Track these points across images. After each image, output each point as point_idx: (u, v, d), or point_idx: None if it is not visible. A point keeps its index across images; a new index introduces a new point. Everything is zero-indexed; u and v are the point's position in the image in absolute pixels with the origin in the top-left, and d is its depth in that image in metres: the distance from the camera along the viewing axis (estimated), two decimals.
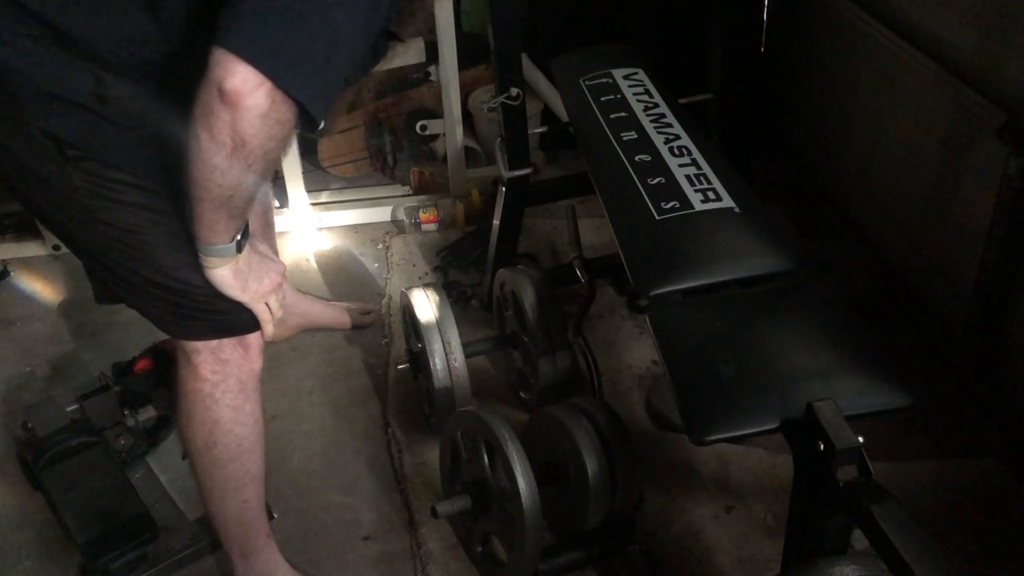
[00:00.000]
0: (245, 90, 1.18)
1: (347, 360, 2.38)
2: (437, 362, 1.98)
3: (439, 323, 2.00)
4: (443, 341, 1.99)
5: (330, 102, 1.29)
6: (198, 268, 1.42)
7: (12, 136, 1.36)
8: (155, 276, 1.45)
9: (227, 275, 1.44)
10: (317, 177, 3.10)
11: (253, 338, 1.57)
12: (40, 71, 1.30)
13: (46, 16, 1.28)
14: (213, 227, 1.37)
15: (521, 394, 2.21)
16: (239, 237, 1.40)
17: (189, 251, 1.42)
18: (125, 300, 1.55)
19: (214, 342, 1.53)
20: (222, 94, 1.19)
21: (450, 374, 1.98)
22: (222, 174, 1.28)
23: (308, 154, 3.07)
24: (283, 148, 1.31)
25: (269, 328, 1.56)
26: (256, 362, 1.60)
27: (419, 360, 2.09)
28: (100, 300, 1.61)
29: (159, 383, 2.07)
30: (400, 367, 2.16)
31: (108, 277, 1.51)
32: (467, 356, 2.02)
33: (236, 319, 1.52)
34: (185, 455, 1.99)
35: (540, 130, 2.69)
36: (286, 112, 1.23)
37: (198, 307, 1.48)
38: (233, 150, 1.24)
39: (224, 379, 1.56)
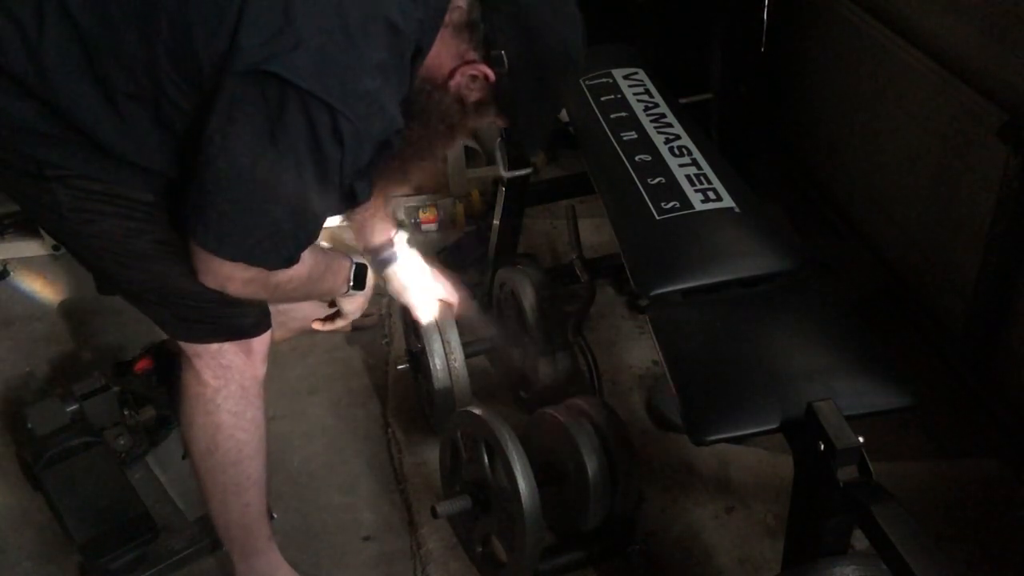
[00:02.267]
0: (222, 280, 1.38)
1: (347, 360, 2.38)
2: (437, 362, 1.98)
3: (439, 323, 2.00)
4: (443, 341, 1.99)
5: (304, 247, 1.42)
6: (192, 274, 1.41)
7: (2, 164, 1.37)
8: (150, 283, 1.46)
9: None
10: None
11: (257, 343, 1.57)
12: (30, 120, 1.33)
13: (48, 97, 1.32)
14: (331, 291, 1.70)
15: (521, 394, 2.21)
16: (350, 284, 1.69)
17: (182, 258, 1.41)
18: (128, 302, 1.55)
19: (215, 346, 1.53)
20: (205, 278, 1.38)
21: (450, 374, 1.98)
22: (277, 299, 1.55)
23: None
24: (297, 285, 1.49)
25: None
26: (259, 368, 1.59)
27: (419, 360, 2.09)
28: (102, 291, 1.62)
29: (160, 383, 2.06)
30: (400, 367, 2.16)
31: (108, 283, 1.52)
32: (467, 356, 2.02)
33: (238, 323, 1.52)
34: (185, 455, 1.99)
35: None
36: (264, 274, 1.38)
37: (197, 310, 1.48)
38: (253, 294, 1.45)
39: (226, 384, 1.56)
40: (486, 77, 1.44)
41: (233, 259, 1.34)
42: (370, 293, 1.82)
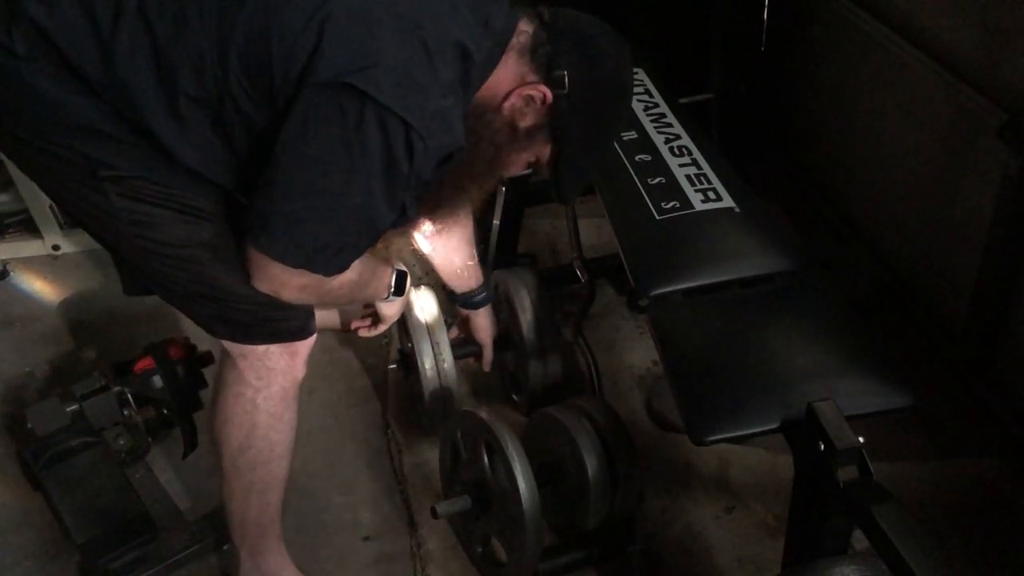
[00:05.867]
0: (276, 286, 1.40)
1: (347, 360, 2.38)
2: (426, 363, 1.97)
3: (428, 324, 2.00)
4: (432, 342, 1.98)
5: (359, 256, 1.44)
6: (243, 277, 1.42)
7: (50, 158, 1.38)
8: (199, 285, 1.46)
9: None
10: None
11: (301, 346, 1.57)
12: (89, 118, 1.34)
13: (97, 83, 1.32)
14: (373, 297, 1.72)
15: (513, 396, 2.20)
16: (391, 289, 1.69)
17: (234, 262, 1.42)
18: (169, 303, 1.55)
19: (261, 348, 1.53)
20: (260, 283, 1.40)
21: (439, 375, 1.98)
22: (325, 304, 1.60)
23: None
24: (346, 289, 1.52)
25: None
26: (300, 371, 1.60)
27: (409, 360, 2.09)
28: (129, 292, 1.62)
29: (163, 382, 2.06)
30: (391, 367, 2.16)
31: (151, 284, 1.52)
32: (458, 358, 2.02)
33: (286, 326, 1.53)
34: (186, 455, 1.99)
35: None
36: (318, 280, 1.39)
37: (247, 312, 1.48)
38: (305, 299, 1.47)
39: (267, 386, 1.56)
40: (544, 98, 1.45)
41: (295, 265, 1.36)
42: (407, 298, 1.83)
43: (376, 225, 1.38)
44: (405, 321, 2.03)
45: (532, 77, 1.44)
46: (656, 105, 2.08)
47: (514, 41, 1.43)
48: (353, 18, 1.28)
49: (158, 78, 1.31)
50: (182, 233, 1.42)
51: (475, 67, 1.38)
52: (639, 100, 2.10)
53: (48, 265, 2.71)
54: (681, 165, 1.87)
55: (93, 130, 1.33)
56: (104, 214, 1.40)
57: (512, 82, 1.44)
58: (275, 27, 1.28)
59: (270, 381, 1.56)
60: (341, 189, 1.31)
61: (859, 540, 1.37)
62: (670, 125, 2.00)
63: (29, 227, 2.72)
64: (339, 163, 1.29)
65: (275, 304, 1.46)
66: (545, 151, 1.54)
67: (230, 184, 1.42)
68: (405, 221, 1.45)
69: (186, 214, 1.41)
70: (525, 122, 1.47)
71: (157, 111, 1.32)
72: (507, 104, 1.45)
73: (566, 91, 1.43)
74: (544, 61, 1.43)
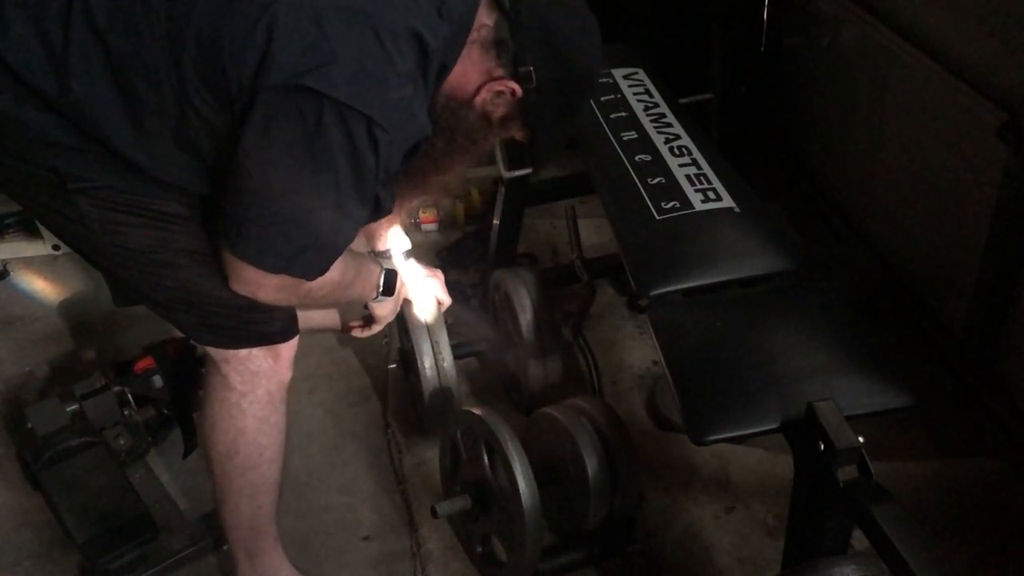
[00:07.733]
0: (253, 288, 1.40)
1: (347, 360, 2.38)
2: (425, 362, 1.97)
3: (428, 324, 2.00)
4: (431, 342, 1.98)
5: (338, 256, 1.42)
6: (221, 281, 1.42)
7: (18, 174, 1.38)
8: (178, 291, 1.46)
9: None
10: None
11: (284, 349, 1.57)
12: (51, 133, 1.33)
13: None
14: (360, 298, 1.69)
15: (513, 396, 2.20)
16: (379, 289, 1.67)
17: (211, 266, 1.42)
18: (152, 310, 1.55)
19: (244, 352, 1.53)
20: (237, 286, 1.40)
21: (438, 375, 1.98)
22: (305, 305, 1.56)
23: None
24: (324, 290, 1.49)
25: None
26: (286, 373, 1.59)
27: (409, 360, 2.09)
28: (119, 303, 1.62)
29: (163, 382, 2.06)
30: (391, 367, 2.16)
31: (133, 292, 1.52)
32: (458, 357, 2.02)
33: (267, 329, 1.52)
34: (186, 455, 1.99)
35: None
36: (296, 281, 1.39)
37: (226, 317, 1.48)
38: (283, 300, 1.46)
39: (253, 389, 1.56)
40: (512, 93, 1.45)
41: (274, 271, 1.35)
42: (400, 299, 1.82)
43: (351, 223, 1.37)
44: (405, 321, 2.03)
45: (499, 72, 1.44)
46: (656, 105, 2.08)
47: (475, 35, 1.42)
48: (301, 16, 1.27)
49: (116, 92, 1.30)
50: (156, 240, 1.41)
51: (433, 54, 1.36)
52: (639, 100, 2.10)
53: (48, 265, 2.71)
54: (681, 165, 1.87)
55: (57, 144, 1.32)
56: (78, 226, 1.40)
57: (480, 77, 1.44)
58: (225, 32, 1.27)
59: (255, 385, 1.55)
60: (310, 191, 1.30)
61: (859, 540, 1.37)
62: (670, 125, 2.00)
63: (29, 227, 2.72)
64: (305, 165, 1.28)
65: (255, 307, 1.45)
66: (519, 133, 1.55)
67: (201, 189, 1.41)
68: (381, 213, 1.44)
69: (159, 220, 1.40)
70: (498, 112, 1.48)
71: (119, 125, 1.31)
72: (478, 99, 1.45)
73: (534, 85, 1.44)
74: (510, 56, 1.43)
